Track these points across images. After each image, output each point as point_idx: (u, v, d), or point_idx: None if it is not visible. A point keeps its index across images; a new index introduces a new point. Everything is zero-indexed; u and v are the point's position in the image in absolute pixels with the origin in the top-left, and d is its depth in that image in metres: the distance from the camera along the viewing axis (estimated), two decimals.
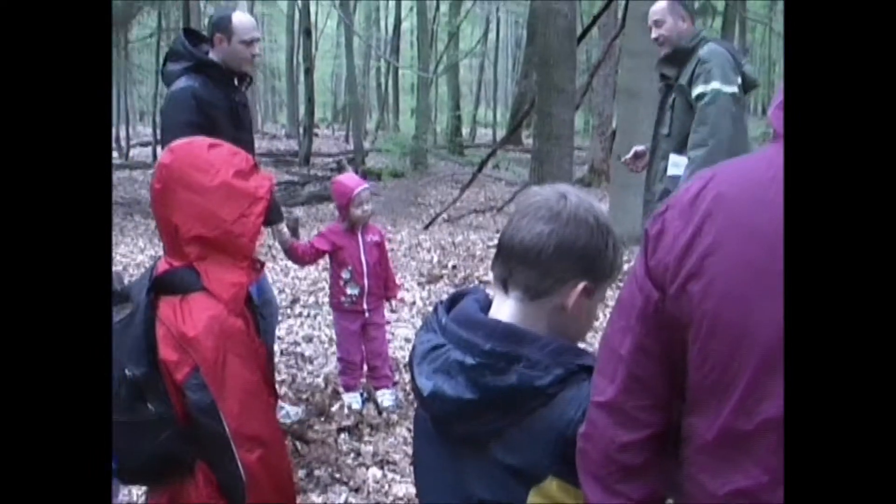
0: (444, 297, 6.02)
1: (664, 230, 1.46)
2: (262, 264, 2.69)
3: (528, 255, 1.79)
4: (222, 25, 4.83)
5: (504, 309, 1.85)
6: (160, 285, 2.48)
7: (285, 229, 5.34)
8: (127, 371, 2.39)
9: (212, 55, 4.85)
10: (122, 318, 2.47)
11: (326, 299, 6.63)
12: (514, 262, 1.82)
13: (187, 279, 2.46)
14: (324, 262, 6.10)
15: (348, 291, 5.62)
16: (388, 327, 7.55)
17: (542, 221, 1.79)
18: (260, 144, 35.69)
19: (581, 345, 1.89)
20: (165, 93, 4.85)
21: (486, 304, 1.92)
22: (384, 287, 5.87)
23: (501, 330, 1.76)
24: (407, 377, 6.27)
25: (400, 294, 7.37)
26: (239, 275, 2.50)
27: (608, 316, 1.65)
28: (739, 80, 5.15)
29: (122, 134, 30.21)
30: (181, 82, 4.68)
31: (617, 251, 1.85)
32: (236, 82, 4.96)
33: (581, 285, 1.78)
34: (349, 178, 5.85)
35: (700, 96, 5.16)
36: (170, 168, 2.47)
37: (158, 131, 4.74)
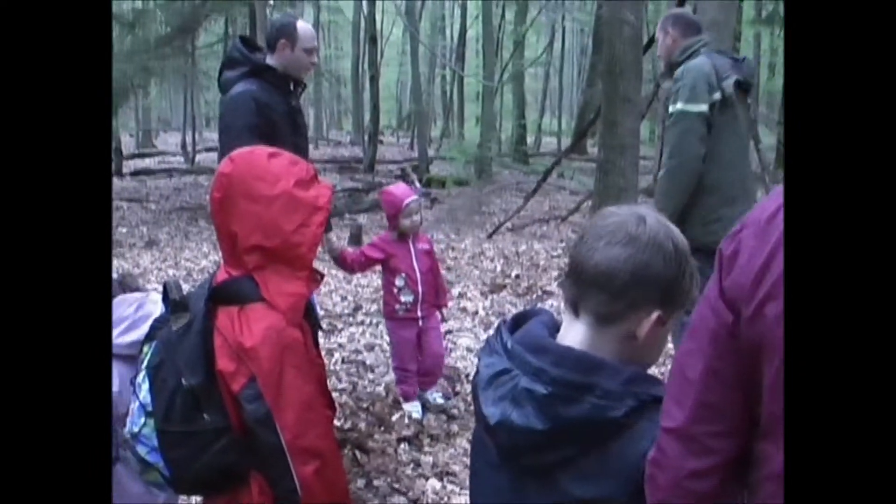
0: (508, 307, 5.97)
1: (739, 250, 1.41)
2: (322, 275, 2.66)
3: (602, 280, 1.73)
4: (287, 32, 4.86)
5: (573, 333, 1.80)
6: (218, 295, 2.47)
7: (333, 237, 5.37)
8: (184, 380, 2.38)
9: (270, 61, 4.90)
10: (180, 328, 2.46)
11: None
12: (586, 285, 1.76)
13: (246, 289, 2.45)
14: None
15: (402, 299, 5.63)
16: (450, 336, 7.56)
17: (620, 245, 1.72)
18: (325, 151, 36.10)
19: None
20: (222, 99, 4.89)
21: (553, 327, 1.87)
22: (435, 295, 5.88)
23: (573, 357, 1.70)
24: (468, 387, 6.25)
25: (462, 303, 7.38)
26: (298, 285, 2.49)
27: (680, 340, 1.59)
28: (718, 94, 5.05)
29: (189, 139, 30.61)
30: (240, 86, 4.72)
31: (693, 280, 1.79)
32: (292, 88, 4.98)
33: (655, 314, 1.72)
34: (398, 188, 5.86)
35: (669, 117, 5.18)
36: (230, 177, 2.46)
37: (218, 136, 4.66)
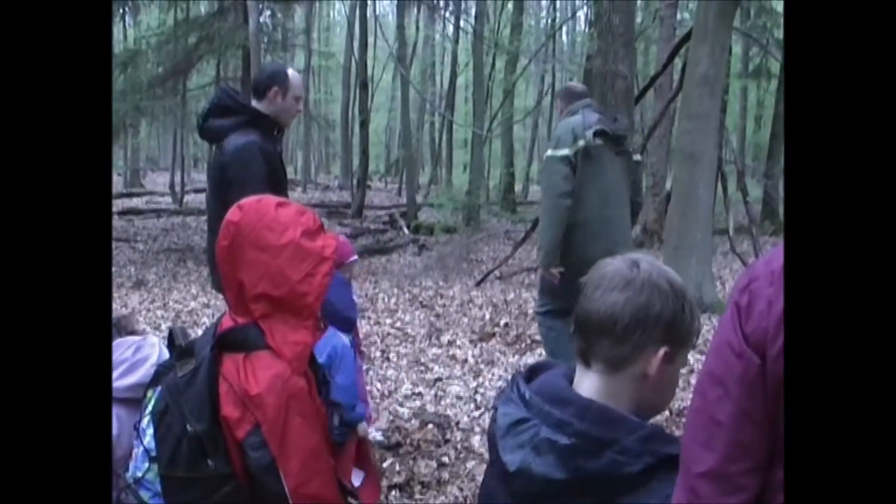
0: (497, 355, 5.99)
1: (753, 299, 1.50)
2: (326, 324, 2.68)
3: (605, 326, 1.80)
4: (279, 79, 4.90)
5: (587, 383, 1.86)
6: (224, 342, 2.48)
7: None
8: (189, 426, 2.39)
9: (260, 107, 4.90)
10: (185, 374, 2.47)
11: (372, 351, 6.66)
12: (592, 334, 1.84)
13: (251, 337, 2.46)
14: (371, 313, 6.08)
15: None
16: (439, 384, 7.57)
17: (617, 291, 1.81)
18: (313, 195, 36.14)
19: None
20: (223, 148, 4.77)
21: (569, 378, 1.93)
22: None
23: (595, 411, 1.76)
24: (459, 435, 6.25)
25: (452, 351, 7.40)
26: (303, 334, 2.50)
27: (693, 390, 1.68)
28: (581, 142, 5.89)
29: (178, 180, 30.63)
30: (242, 137, 4.70)
31: (694, 314, 1.86)
32: (275, 133, 5.02)
33: (662, 351, 1.79)
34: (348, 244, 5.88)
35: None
36: (238, 226, 2.48)
37: (224, 187, 4.57)
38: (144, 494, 2.48)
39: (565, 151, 5.91)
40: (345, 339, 4.67)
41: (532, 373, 1.98)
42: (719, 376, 1.54)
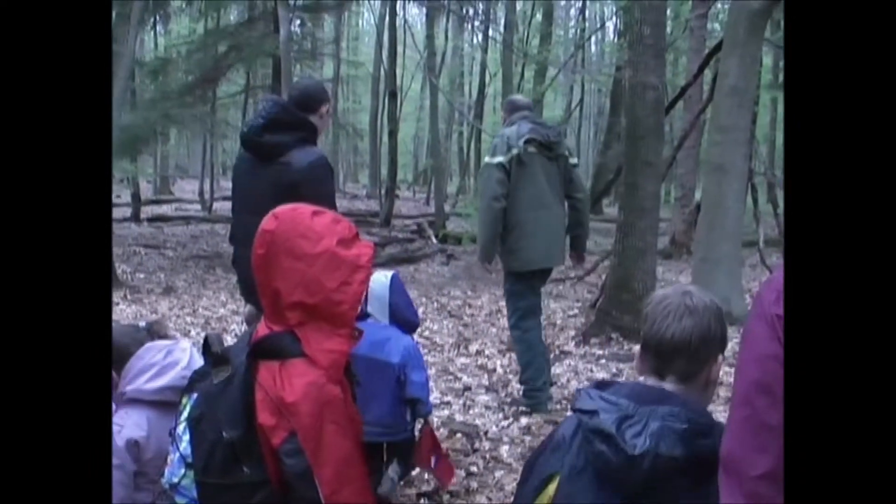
0: None
1: None
2: (361, 332, 2.69)
3: (680, 348, 2.28)
4: (327, 95, 4.99)
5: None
6: (260, 349, 2.50)
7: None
8: (224, 433, 2.41)
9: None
10: (221, 381, 2.49)
11: None
12: (668, 354, 2.31)
13: (287, 344, 2.48)
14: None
15: None
16: (468, 394, 7.59)
17: (685, 318, 2.29)
18: (341, 204, 35.85)
19: None
20: (290, 165, 4.69)
21: None
22: None
23: (691, 404, 2.23)
24: (487, 445, 6.25)
25: (480, 361, 7.42)
26: (338, 342, 2.52)
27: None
28: (515, 150, 6.69)
29: (206, 187, 30.74)
30: (307, 153, 4.70)
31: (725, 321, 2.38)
32: None
33: (720, 358, 2.35)
34: None
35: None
36: (274, 234, 2.51)
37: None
38: (180, 500, 2.50)
39: (500, 159, 6.76)
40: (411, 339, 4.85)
41: (601, 387, 2.37)
42: (766, 385, 1.64)
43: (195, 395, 2.58)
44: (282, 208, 2.61)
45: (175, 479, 2.51)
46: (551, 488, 2.32)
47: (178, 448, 2.52)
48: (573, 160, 7.30)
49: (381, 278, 4.74)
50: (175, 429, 2.59)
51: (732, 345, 7.65)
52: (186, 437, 2.51)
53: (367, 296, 4.52)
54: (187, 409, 2.58)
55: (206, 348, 2.65)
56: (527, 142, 6.74)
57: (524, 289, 7.13)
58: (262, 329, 2.59)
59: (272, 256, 2.50)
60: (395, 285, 4.88)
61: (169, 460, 2.58)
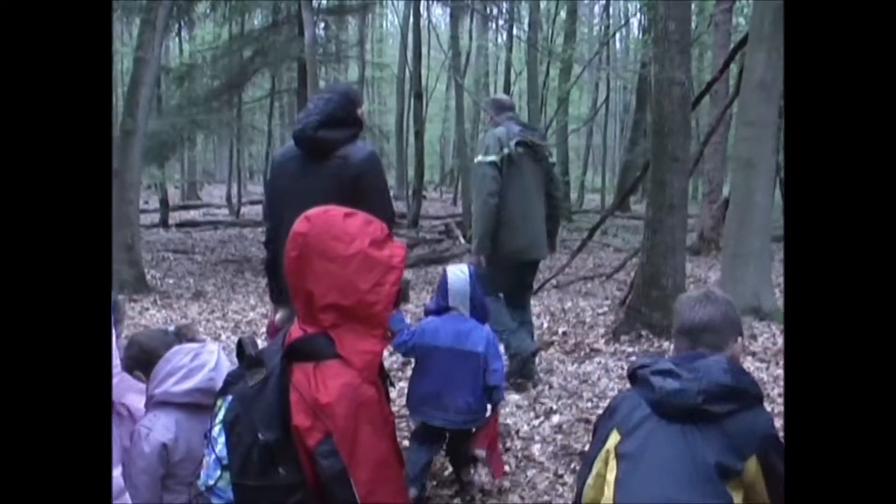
0: (556, 364, 6.22)
1: None
2: (394, 333, 2.70)
3: (707, 326, 2.91)
4: (360, 98, 5.01)
5: None
6: (294, 351, 2.51)
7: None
8: (260, 435, 2.42)
9: None
10: (256, 383, 2.51)
11: None
12: (697, 332, 2.93)
13: (321, 346, 2.49)
14: None
15: None
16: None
17: (709, 305, 2.96)
18: None
19: None
20: (348, 159, 4.77)
21: None
22: None
23: (728, 360, 2.77)
24: (519, 444, 6.25)
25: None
26: (373, 343, 2.53)
27: None
28: (506, 150, 7.21)
29: (234, 192, 30.84)
30: (359, 148, 4.78)
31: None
32: None
33: (740, 339, 3.00)
34: None
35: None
36: (307, 236, 2.52)
37: (360, 195, 4.46)
38: (217, 502, 2.51)
39: (492, 157, 7.24)
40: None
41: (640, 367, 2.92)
42: None
43: (230, 398, 2.59)
44: (314, 210, 2.62)
45: (211, 482, 2.52)
46: (612, 440, 2.79)
47: (213, 450, 2.54)
48: (552, 159, 8.20)
49: (459, 273, 4.96)
50: (210, 431, 2.60)
51: (763, 339, 7.65)
52: (222, 440, 2.52)
53: (446, 290, 4.81)
54: (222, 411, 2.59)
55: (240, 351, 2.67)
56: (517, 143, 7.28)
57: (498, 275, 7.53)
58: (295, 331, 2.60)
59: (305, 259, 2.51)
60: (473, 278, 5.02)
61: (204, 462, 2.59)
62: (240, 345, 2.69)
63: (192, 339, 3.61)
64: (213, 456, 2.53)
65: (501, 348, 6.98)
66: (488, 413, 5.09)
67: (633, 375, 2.94)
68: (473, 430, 5.05)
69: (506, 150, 7.22)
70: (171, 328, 3.67)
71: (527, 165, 7.45)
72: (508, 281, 7.66)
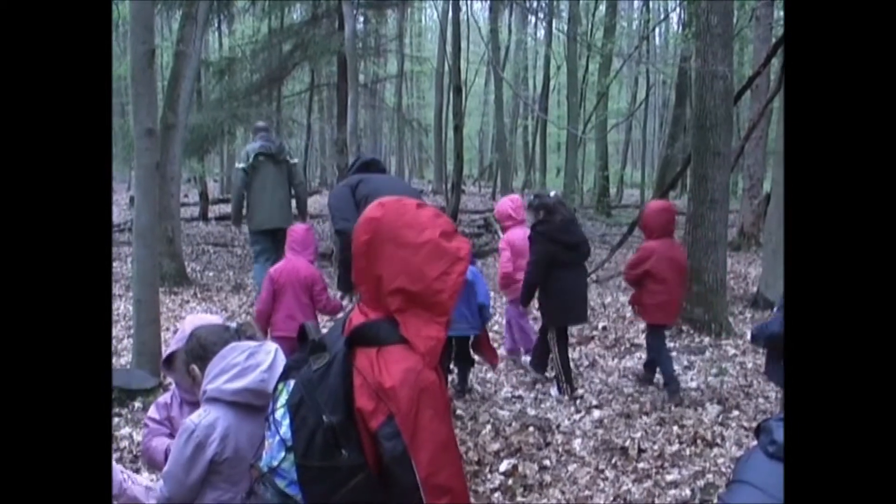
0: (596, 358, 6.41)
1: None
2: (450, 321, 2.76)
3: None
4: None
5: None
6: (358, 336, 2.57)
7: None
8: (324, 418, 2.48)
9: None
10: (320, 368, 2.57)
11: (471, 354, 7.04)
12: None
13: (385, 331, 2.55)
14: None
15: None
16: (538, 387, 7.63)
17: None
18: None
19: None
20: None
21: None
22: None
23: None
24: (560, 438, 6.29)
25: (552, 354, 7.51)
26: (437, 329, 2.58)
27: None
28: (249, 159, 11.80)
29: None
30: None
31: None
32: None
33: None
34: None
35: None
36: (380, 221, 2.59)
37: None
38: (280, 482, 2.57)
39: (241, 165, 11.84)
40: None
41: None
42: None
43: (292, 382, 2.65)
44: (389, 198, 2.69)
45: (275, 463, 2.58)
46: None
47: (277, 432, 2.60)
48: (293, 160, 12.57)
49: None
50: (272, 414, 2.66)
51: None
52: (286, 422, 2.58)
53: None
54: (283, 394, 2.65)
55: (303, 336, 2.73)
56: (257, 154, 11.85)
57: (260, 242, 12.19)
58: (356, 316, 2.66)
59: (377, 243, 2.58)
60: None
61: (267, 444, 2.65)
62: (302, 330, 2.75)
63: (252, 338, 3.64)
64: (278, 438, 2.58)
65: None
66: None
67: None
68: (472, 337, 7.62)
69: (249, 159, 11.90)
70: (233, 325, 3.70)
71: (271, 172, 11.88)
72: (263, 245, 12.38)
